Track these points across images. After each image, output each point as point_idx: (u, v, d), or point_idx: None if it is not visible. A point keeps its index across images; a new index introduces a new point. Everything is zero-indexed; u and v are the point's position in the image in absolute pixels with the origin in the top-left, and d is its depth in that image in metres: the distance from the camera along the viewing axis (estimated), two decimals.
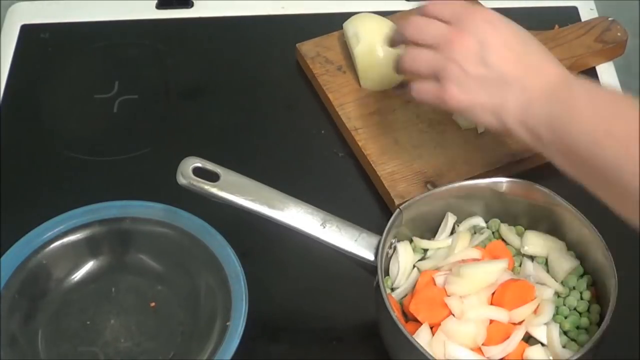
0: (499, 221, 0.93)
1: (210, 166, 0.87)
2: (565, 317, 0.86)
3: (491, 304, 0.85)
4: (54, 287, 0.94)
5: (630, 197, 0.73)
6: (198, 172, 0.87)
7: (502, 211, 0.93)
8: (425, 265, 0.89)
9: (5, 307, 0.90)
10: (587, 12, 1.23)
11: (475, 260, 0.87)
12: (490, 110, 0.84)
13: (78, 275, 0.95)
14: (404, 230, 0.91)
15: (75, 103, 1.15)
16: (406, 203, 0.90)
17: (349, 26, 1.12)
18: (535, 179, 0.91)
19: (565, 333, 0.85)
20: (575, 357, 0.80)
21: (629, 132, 0.73)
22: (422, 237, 0.92)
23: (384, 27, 1.07)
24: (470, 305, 0.83)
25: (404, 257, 0.89)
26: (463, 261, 0.87)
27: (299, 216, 0.87)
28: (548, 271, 0.89)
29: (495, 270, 0.85)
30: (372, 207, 1.02)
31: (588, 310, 0.87)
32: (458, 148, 1.04)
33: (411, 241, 0.91)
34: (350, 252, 0.87)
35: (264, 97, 1.15)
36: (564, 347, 0.84)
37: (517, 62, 0.83)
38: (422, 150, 1.04)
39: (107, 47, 1.21)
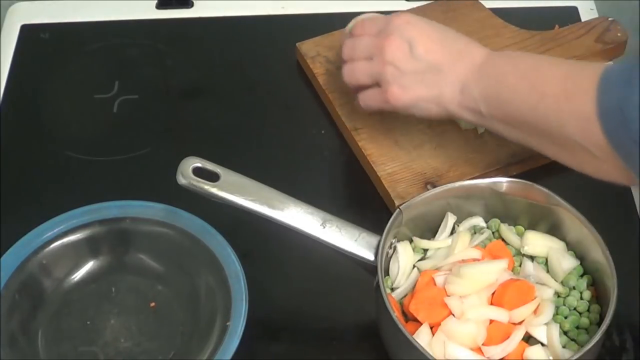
0: (499, 221, 0.93)
1: (210, 166, 0.87)
2: (565, 317, 0.86)
3: (491, 304, 0.85)
4: (54, 287, 0.94)
5: (575, 145, 0.80)
6: (198, 172, 0.87)
7: (502, 211, 0.93)
8: (425, 265, 0.89)
9: (5, 307, 0.90)
10: (587, 12, 1.23)
11: (475, 260, 0.87)
12: (432, 102, 0.92)
13: (78, 275, 0.95)
14: (404, 230, 0.91)
15: (75, 103, 1.15)
16: (406, 203, 0.90)
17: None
18: (535, 179, 0.91)
19: (565, 333, 0.85)
20: (575, 357, 0.80)
21: (555, 89, 0.81)
22: (422, 237, 0.92)
23: None
24: (470, 305, 0.83)
25: (404, 257, 0.89)
26: (463, 261, 0.87)
27: (299, 216, 0.87)
28: (548, 271, 0.89)
29: (495, 270, 0.85)
30: (372, 207, 1.02)
31: (588, 310, 0.87)
32: (458, 149, 1.04)
33: (411, 241, 0.91)
34: (350, 252, 0.87)
35: (264, 97, 1.15)
36: (564, 347, 0.84)
37: (444, 50, 0.90)
38: (422, 151, 1.04)
39: (107, 47, 1.21)
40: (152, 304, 0.93)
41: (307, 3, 1.25)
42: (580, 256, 0.90)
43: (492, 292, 0.85)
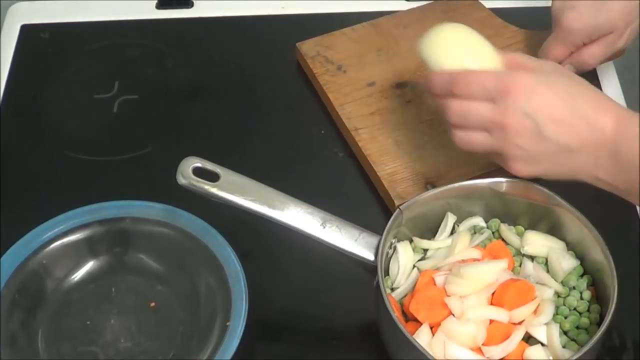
0: (499, 221, 0.93)
1: (210, 166, 0.87)
2: (565, 317, 0.86)
3: (491, 304, 0.85)
4: (54, 287, 0.94)
5: None
6: (198, 172, 0.87)
7: (502, 211, 0.93)
8: (425, 265, 0.89)
9: (5, 307, 0.90)
10: None
11: (475, 260, 0.87)
12: (563, 175, 0.85)
13: (78, 275, 0.95)
14: (404, 230, 0.91)
15: (75, 103, 1.15)
16: (406, 203, 0.90)
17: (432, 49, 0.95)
18: (535, 179, 0.91)
19: (565, 333, 0.85)
20: (575, 357, 0.80)
21: None
22: (422, 237, 0.92)
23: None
24: (470, 305, 0.83)
25: (404, 257, 0.89)
26: (463, 261, 0.87)
27: (299, 216, 0.87)
28: (548, 271, 0.89)
29: (495, 270, 0.85)
30: (372, 207, 1.02)
31: (588, 310, 0.87)
32: (458, 149, 1.04)
33: (411, 241, 0.91)
34: (350, 252, 0.87)
35: (264, 97, 1.15)
36: (564, 347, 0.84)
37: (572, 127, 0.82)
38: (422, 151, 1.04)
39: (107, 47, 1.21)
40: (152, 304, 0.93)
41: (307, 3, 1.25)
42: (580, 256, 0.90)
43: (492, 292, 0.85)
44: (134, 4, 1.25)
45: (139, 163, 1.08)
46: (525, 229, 0.92)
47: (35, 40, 1.21)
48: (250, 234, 0.95)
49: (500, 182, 0.91)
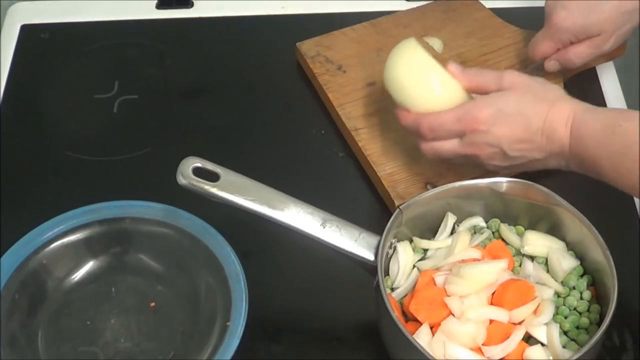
0: (499, 221, 0.93)
1: (210, 166, 0.87)
2: (565, 317, 0.86)
3: (491, 304, 0.85)
4: (54, 287, 0.94)
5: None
6: (198, 172, 0.87)
7: (502, 211, 0.93)
8: (425, 265, 0.89)
9: (5, 307, 0.90)
10: None
11: (475, 260, 0.87)
12: (537, 167, 0.93)
13: (78, 275, 0.95)
14: (404, 230, 0.91)
15: (75, 103, 1.15)
16: (406, 203, 0.90)
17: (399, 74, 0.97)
18: (535, 179, 0.91)
19: (565, 333, 0.85)
20: (575, 357, 0.80)
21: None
22: (422, 237, 0.92)
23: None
24: (470, 305, 0.83)
25: (404, 257, 0.89)
26: (463, 261, 0.87)
27: (299, 216, 0.87)
28: (548, 271, 0.89)
29: (495, 270, 0.85)
30: (372, 207, 1.02)
31: (588, 310, 0.87)
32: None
33: (411, 241, 0.91)
34: (350, 252, 0.87)
35: (264, 97, 1.15)
36: (564, 347, 0.84)
37: (533, 142, 0.90)
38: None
39: (107, 47, 1.21)
40: (152, 304, 0.93)
41: (307, 3, 1.25)
42: (580, 256, 0.90)
43: (492, 292, 0.85)
44: (134, 4, 1.25)
45: (139, 163, 1.08)
46: (525, 229, 0.92)
47: (35, 40, 1.21)
48: (250, 234, 0.95)
49: (500, 182, 0.91)
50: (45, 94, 1.15)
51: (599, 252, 0.86)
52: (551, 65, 1.07)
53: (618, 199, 0.97)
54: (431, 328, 0.84)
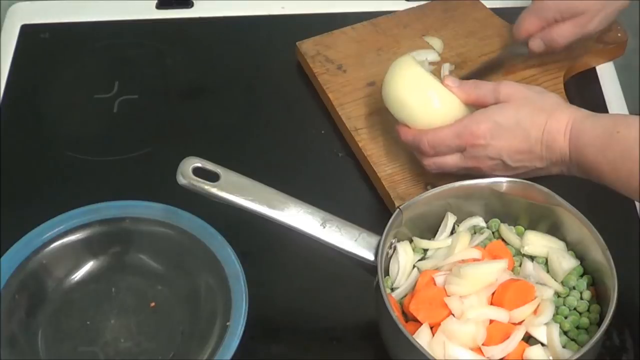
0: (499, 221, 0.93)
1: (210, 166, 0.87)
2: (565, 317, 0.86)
3: (491, 304, 0.85)
4: (54, 287, 0.94)
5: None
6: (198, 172, 0.87)
7: (502, 211, 0.93)
8: (425, 265, 0.89)
9: (5, 307, 0.90)
10: None
11: (475, 260, 0.87)
12: (540, 174, 0.94)
13: (78, 275, 0.95)
14: (404, 230, 0.91)
15: (75, 103, 1.15)
16: (406, 203, 0.90)
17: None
18: (535, 179, 0.91)
19: (565, 333, 0.85)
20: (575, 357, 0.80)
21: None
22: (422, 237, 0.92)
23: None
24: (470, 305, 0.83)
25: (404, 257, 0.89)
26: (463, 261, 0.87)
27: (299, 216, 0.87)
28: (548, 271, 0.89)
29: (495, 270, 0.85)
30: (372, 207, 1.02)
31: (588, 310, 0.87)
32: None
33: (411, 241, 0.91)
34: (350, 252, 0.87)
35: (264, 97, 1.15)
36: (564, 347, 0.83)
37: (533, 153, 0.92)
38: None
39: (107, 47, 1.21)
40: (152, 304, 0.93)
41: (307, 3, 1.25)
42: (580, 256, 0.90)
43: (492, 292, 0.85)
44: (134, 4, 1.25)
45: (139, 163, 1.08)
46: (525, 229, 0.92)
47: (35, 40, 1.21)
48: (250, 234, 0.95)
49: (500, 182, 0.91)
50: (45, 94, 1.15)
51: (599, 252, 0.86)
52: (535, 44, 1.07)
53: (618, 199, 0.97)
54: (431, 328, 0.84)
